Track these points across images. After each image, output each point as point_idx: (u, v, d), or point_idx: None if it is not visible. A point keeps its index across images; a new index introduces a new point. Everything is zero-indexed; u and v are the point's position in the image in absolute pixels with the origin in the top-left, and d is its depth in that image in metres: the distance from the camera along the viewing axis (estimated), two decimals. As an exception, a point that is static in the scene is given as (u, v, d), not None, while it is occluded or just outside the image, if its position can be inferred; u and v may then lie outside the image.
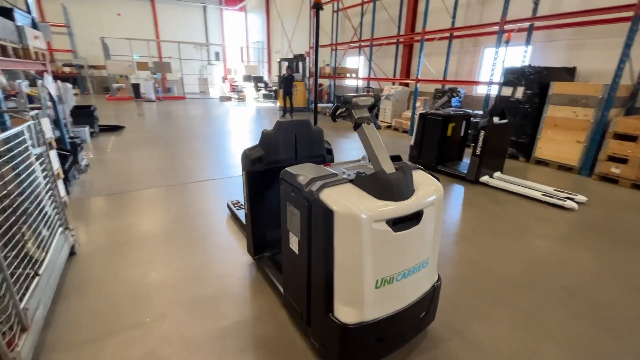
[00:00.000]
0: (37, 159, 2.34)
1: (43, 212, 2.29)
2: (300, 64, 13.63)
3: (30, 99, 5.35)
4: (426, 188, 1.65)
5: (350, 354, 1.60)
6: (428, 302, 1.80)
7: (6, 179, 1.84)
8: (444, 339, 1.93)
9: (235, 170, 5.17)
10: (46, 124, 3.10)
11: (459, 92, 6.09)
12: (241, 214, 3.26)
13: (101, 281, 2.39)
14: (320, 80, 14.22)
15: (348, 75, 12.35)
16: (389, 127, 9.47)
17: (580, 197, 4.07)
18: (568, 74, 6.11)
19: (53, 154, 3.13)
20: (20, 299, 1.69)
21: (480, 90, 8.27)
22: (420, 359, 1.79)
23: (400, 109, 9.57)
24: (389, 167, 1.57)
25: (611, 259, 2.87)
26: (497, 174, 4.95)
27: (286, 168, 1.81)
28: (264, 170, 2.33)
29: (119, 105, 13.52)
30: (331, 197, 1.48)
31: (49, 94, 4.22)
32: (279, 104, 13.09)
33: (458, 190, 4.54)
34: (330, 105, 12.44)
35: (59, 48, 16.38)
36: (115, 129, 8.20)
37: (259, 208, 2.45)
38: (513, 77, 6.23)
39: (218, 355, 1.79)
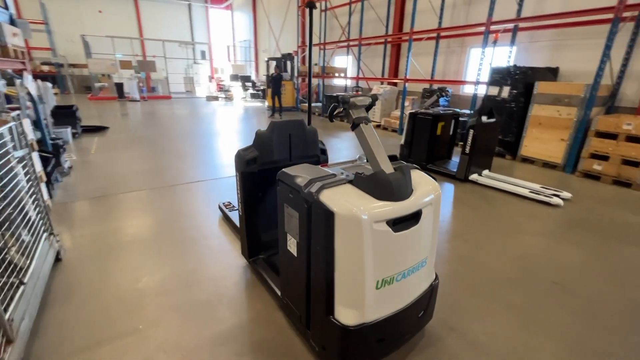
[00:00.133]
0: (19, 162, 2.24)
1: (27, 218, 2.19)
2: (288, 63, 13.55)
3: (8, 99, 5.13)
4: (424, 188, 1.66)
5: (352, 355, 1.59)
6: (426, 301, 1.81)
7: (-13, 183, 1.75)
8: (442, 337, 1.94)
9: (225, 171, 5.10)
10: (27, 125, 2.97)
11: (448, 91, 6.17)
12: (234, 216, 3.21)
13: (90, 288, 2.30)
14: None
15: (337, 74, 12.36)
16: (378, 126, 9.53)
17: (566, 194, 4.19)
18: (551, 74, 6.28)
19: (35, 156, 3.00)
20: (5, 310, 1.61)
21: (467, 90, 8.41)
22: (420, 358, 1.80)
23: (389, 108, 9.64)
24: (387, 167, 1.56)
25: (597, 254, 2.97)
26: (486, 172, 5.04)
27: (283, 169, 1.78)
28: (259, 171, 2.29)
29: (102, 105, 13.14)
30: (331, 198, 1.47)
31: (29, 94, 4.05)
32: (267, 103, 12.97)
33: (448, 189, 4.60)
34: (319, 104, 12.41)
35: (37, 46, 15.79)
36: (98, 129, 7.95)
37: (254, 209, 2.41)
38: (499, 76, 6.35)
39: (215, 361, 1.75)
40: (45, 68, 16.01)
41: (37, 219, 2.39)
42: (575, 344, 1.93)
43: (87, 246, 2.85)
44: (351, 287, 1.51)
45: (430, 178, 1.77)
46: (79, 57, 16.72)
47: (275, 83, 10.94)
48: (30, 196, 2.36)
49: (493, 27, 6.60)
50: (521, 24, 6.71)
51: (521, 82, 5.98)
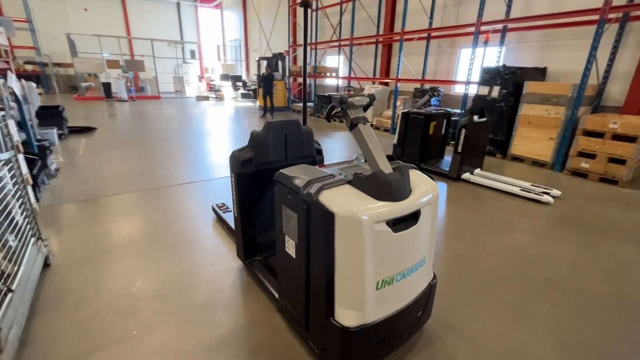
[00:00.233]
0: (5, 165, 2.16)
1: (14, 222, 2.12)
2: (279, 62, 13.48)
3: (-9, 99, 4.95)
4: (422, 187, 1.66)
5: (352, 357, 1.58)
6: (425, 301, 1.81)
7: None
8: (441, 336, 1.95)
9: (217, 172, 5.03)
10: (12, 127, 2.87)
11: (440, 91, 6.23)
12: (228, 217, 3.17)
13: (80, 293, 2.24)
14: (299, 80, 14.16)
15: (328, 74, 12.36)
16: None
17: (556, 192, 4.27)
18: (540, 74, 6.39)
19: (21, 159, 2.90)
20: (-7, 319, 1.55)
21: (458, 90, 8.51)
22: (420, 357, 1.80)
23: (381, 108, 9.68)
24: (386, 168, 1.56)
25: (587, 250, 3.03)
26: (478, 170, 5.10)
27: (281, 170, 1.76)
28: (254, 171, 2.26)
29: (89, 105, 12.85)
30: (330, 199, 1.46)
31: (13, 94, 3.92)
32: (258, 103, 12.88)
33: (441, 188, 4.64)
34: (310, 104, 12.38)
35: (20, 45, 15.35)
36: (85, 130, 7.76)
37: (249, 211, 2.38)
38: (489, 76, 6.44)
39: (213, 366, 1.72)
40: (29, 67, 15.58)
41: (25, 224, 2.31)
42: (569, 339, 1.96)
43: (76, 250, 2.77)
44: (351, 288, 1.50)
45: (428, 178, 1.77)
46: (64, 56, 16.32)
47: (266, 83, 10.87)
48: (17, 200, 2.29)
49: (483, 28, 6.69)
50: (510, 25, 6.82)
51: (511, 82, 6.07)
